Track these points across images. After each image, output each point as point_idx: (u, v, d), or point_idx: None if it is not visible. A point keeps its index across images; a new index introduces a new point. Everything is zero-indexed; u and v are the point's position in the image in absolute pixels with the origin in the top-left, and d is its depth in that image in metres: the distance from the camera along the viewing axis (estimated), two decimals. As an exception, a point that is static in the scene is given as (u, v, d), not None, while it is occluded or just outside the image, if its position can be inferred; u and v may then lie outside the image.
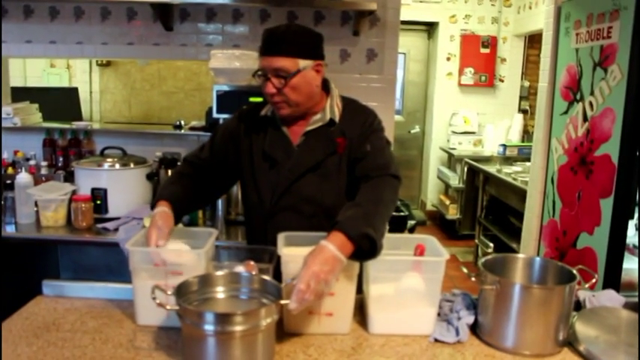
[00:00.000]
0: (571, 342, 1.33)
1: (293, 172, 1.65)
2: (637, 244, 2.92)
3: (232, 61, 2.51)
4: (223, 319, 1.15)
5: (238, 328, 1.13)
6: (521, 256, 1.49)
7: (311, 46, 1.61)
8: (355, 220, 1.36)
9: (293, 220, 1.63)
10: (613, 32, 2.60)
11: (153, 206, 1.63)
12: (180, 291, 1.25)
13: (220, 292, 1.33)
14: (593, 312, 1.41)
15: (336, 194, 1.65)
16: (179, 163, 2.86)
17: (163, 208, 1.58)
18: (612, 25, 2.60)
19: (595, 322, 1.36)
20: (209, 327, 1.14)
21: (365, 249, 1.33)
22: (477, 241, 4.94)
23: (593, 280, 1.36)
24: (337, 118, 1.67)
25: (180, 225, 2.43)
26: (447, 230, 5.91)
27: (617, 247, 2.60)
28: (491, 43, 5.99)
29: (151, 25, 3.07)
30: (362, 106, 1.75)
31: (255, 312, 1.17)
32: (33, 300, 1.57)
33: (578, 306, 1.47)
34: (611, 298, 1.49)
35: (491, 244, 4.63)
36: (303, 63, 1.57)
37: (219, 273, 1.36)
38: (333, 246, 1.30)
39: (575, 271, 1.34)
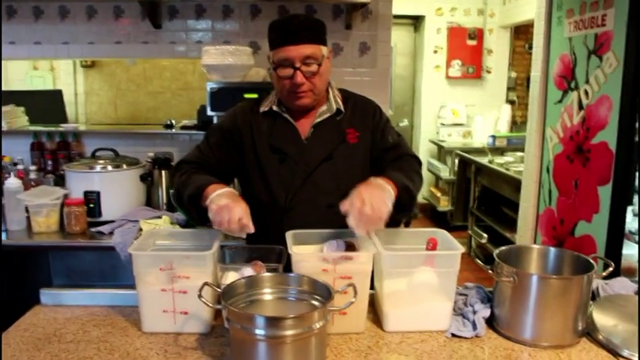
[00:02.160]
0: (589, 332, 1.31)
1: (309, 165, 1.62)
2: (634, 230, 2.93)
3: (225, 57, 2.46)
4: (275, 322, 1.09)
5: (290, 332, 1.08)
6: (535, 246, 1.46)
7: (324, 33, 1.62)
8: (398, 175, 1.48)
9: (310, 213, 1.60)
10: (607, 20, 2.59)
11: (194, 198, 1.48)
12: (227, 294, 1.20)
13: (268, 294, 1.28)
14: (610, 300, 1.39)
15: (350, 182, 1.59)
16: (173, 163, 2.81)
17: (224, 189, 1.45)
18: (607, 13, 2.59)
19: (612, 311, 1.34)
20: (260, 331, 1.09)
21: (403, 202, 1.44)
22: (470, 232, 4.94)
23: (610, 269, 1.34)
24: (342, 108, 1.68)
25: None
26: (438, 222, 5.90)
27: (617, 233, 2.60)
28: (478, 34, 6.00)
29: (138, 23, 3.01)
30: (361, 96, 1.77)
31: (308, 315, 1.11)
32: (31, 310, 1.51)
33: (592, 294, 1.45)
34: (625, 286, 1.47)
35: (485, 235, 4.63)
36: (324, 50, 1.58)
37: (267, 274, 1.31)
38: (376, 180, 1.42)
39: (592, 260, 1.32)
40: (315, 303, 1.23)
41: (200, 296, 1.17)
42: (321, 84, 1.60)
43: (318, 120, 1.66)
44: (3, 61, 3.28)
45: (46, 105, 4.47)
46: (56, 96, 4.70)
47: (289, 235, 1.40)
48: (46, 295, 1.55)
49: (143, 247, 1.44)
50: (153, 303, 1.34)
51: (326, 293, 1.21)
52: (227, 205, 1.37)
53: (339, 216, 1.35)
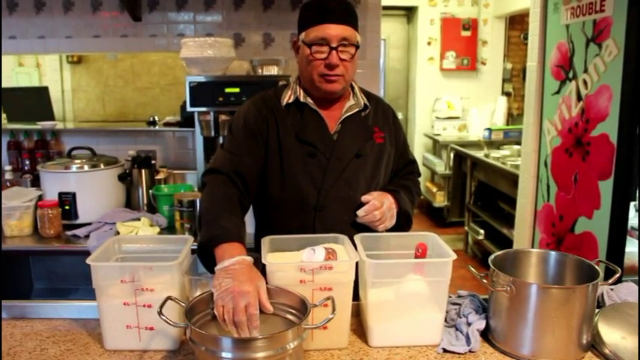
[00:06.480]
0: (594, 345, 1.20)
1: (341, 161, 1.52)
2: (637, 226, 2.81)
3: (205, 49, 2.32)
4: (243, 344, 0.99)
5: (261, 354, 0.97)
6: (534, 250, 1.34)
7: (358, 20, 1.52)
8: (407, 201, 1.60)
9: (344, 211, 1.52)
10: (607, 5, 2.47)
11: (210, 243, 1.24)
12: (192, 310, 1.09)
13: None
14: (616, 309, 1.27)
15: (377, 182, 1.60)
16: (154, 162, 2.69)
17: (243, 257, 1.18)
18: (606, -2, 2.47)
19: (619, 321, 1.22)
20: (227, 354, 0.98)
21: (399, 224, 1.56)
22: (466, 228, 4.82)
23: (617, 276, 1.22)
24: (368, 104, 1.61)
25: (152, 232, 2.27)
26: (434, 218, 5.80)
27: (619, 230, 2.48)
28: (472, 25, 5.86)
29: (118, 16, 2.89)
30: (377, 95, 1.72)
31: (280, 335, 1.00)
32: (-13, 325, 1.39)
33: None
34: (632, 292, 1.35)
35: (482, 231, 4.52)
36: (358, 37, 1.50)
37: None
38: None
39: (596, 267, 1.20)
40: (291, 318, 1.12)
41: (160, 313, 1.05)
42: (352, 71, 1.51)
43: (348, 114, 1.56)
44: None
45: (32, 102, 4.32)
46: (42, 93, 4.56)
47: (265, 242, 1.28)
48: (5, 308, 1.43)
49: (107, 254, 1.32)
50: (115, 318, 1.22)
51: (303, 307, 1.09)
52: (232, 288, 1.08)
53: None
